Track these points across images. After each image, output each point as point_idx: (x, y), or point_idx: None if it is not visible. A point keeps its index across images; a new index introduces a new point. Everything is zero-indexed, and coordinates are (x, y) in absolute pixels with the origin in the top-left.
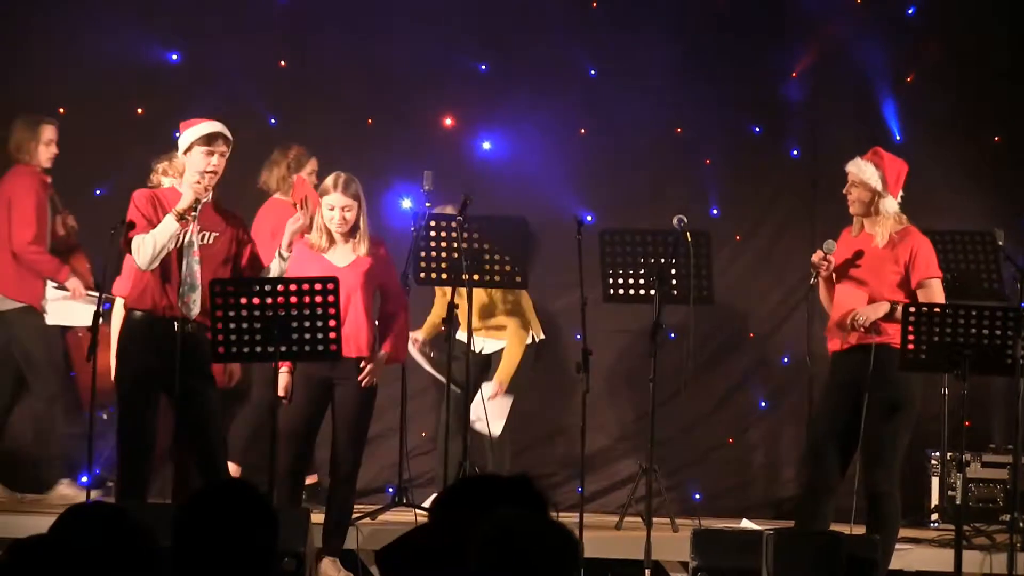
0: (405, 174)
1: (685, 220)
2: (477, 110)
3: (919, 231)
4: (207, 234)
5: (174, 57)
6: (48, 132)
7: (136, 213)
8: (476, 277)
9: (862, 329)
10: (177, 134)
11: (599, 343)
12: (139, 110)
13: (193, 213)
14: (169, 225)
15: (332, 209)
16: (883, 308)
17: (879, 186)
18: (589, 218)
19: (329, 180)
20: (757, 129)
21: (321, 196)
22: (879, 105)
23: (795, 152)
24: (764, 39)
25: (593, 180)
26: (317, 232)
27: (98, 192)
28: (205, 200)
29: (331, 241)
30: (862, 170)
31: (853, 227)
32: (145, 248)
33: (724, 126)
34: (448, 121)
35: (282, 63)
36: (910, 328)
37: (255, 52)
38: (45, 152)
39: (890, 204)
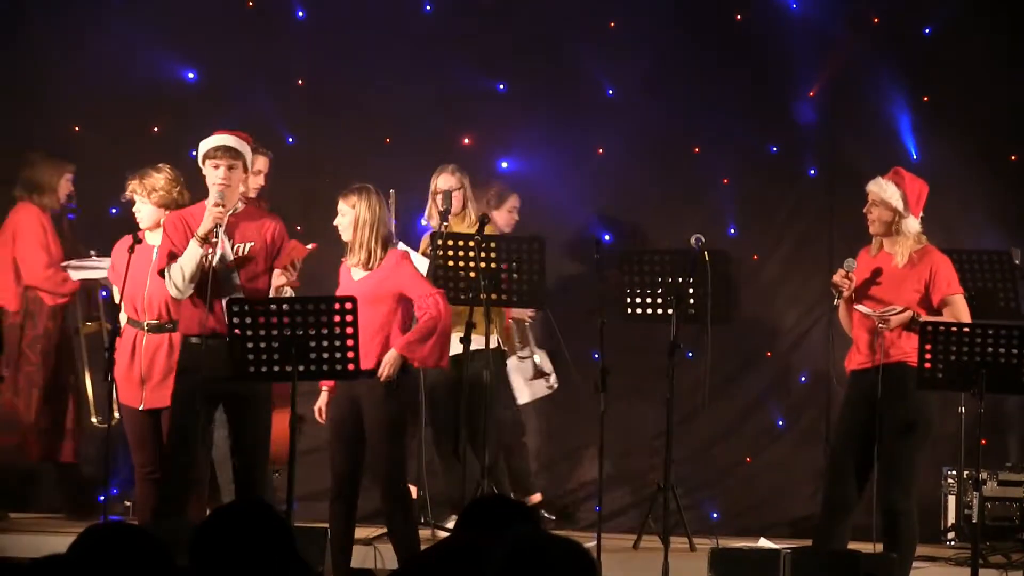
0: (423, 193)
1: (703, 239)
2: (495, 129)
3: (938, 250)
4: (242, 246)
5: (191, 76)
6: (260, 163)
7: (167, 241)
8: (494, 296)
9: (881, 325)
10: (193, 152)
11: (617, 362)
12: (155, 128)
13: (215, 238)
14: (194, 251)
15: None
16: (907, 318)
17: (900, 206)
18: (607, 238)
19: None
20: (774, 148)
21: None
22: (896, 124)
23: (812, 171)
24: (781, 59)
25: (611, 200)
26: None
27: (114, 211)
28: (233, 213)
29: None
30: (883, 189)
31: (872, 247)
32: (175, 278)
33: (741, 146)
34: (466, 140)
35: (300, 82)
36: (927, 347)
37: (272, 71)
38: (253, 182)
39: (912, 224)
